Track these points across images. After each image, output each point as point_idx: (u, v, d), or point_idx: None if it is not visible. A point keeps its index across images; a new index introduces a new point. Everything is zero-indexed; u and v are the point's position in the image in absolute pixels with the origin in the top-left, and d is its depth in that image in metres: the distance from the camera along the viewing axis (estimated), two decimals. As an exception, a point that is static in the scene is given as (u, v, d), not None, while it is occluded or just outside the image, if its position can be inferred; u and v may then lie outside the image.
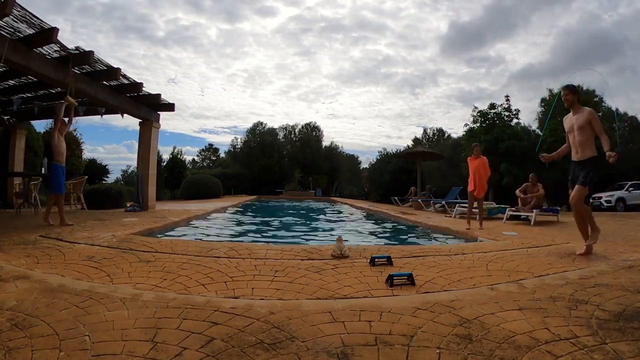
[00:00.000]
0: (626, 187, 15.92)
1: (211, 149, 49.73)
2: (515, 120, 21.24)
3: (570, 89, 4.04)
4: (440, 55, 58.51)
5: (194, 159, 45.09)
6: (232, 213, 11.16)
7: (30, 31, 5.07)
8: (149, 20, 57.32)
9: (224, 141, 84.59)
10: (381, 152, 22.89)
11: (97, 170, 16.80)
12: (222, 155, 42.37)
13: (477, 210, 6.93)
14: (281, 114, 59.56)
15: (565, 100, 4.07)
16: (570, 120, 4.06)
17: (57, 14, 54.65)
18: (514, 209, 8.37)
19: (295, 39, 61.68)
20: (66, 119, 6.15)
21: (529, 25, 48.57)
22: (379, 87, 62.88)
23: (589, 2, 44.92)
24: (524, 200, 8.22)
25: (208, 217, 9.03)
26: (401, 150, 21.12)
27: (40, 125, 14.04)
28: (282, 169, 29.24)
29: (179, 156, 23.26)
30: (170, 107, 9.38)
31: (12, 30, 4.93)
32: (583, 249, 3.96)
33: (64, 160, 5.94)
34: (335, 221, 10.01)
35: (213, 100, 63.87)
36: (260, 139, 30.47)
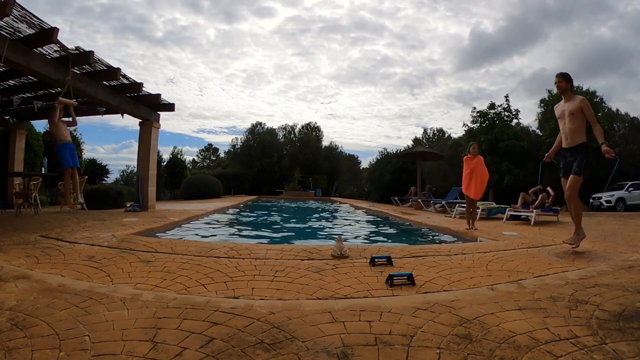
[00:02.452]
0: (626, 187, 15.92)
1: (211, 149, 49.82)
2: (515, 121, 21.27)
3: (564, 76, 4.06)
4: (460, 68, 58.51)
5: (194, 159, 45.18)
6: (232, 213, 11.16)
7: (30, 31, 5.07)
8: (148, 21, 57.31)
9: (223, 141, 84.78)
10: (381, 152, 22.92)
11: (97, 170, 16.80)
12: (222, 155, 42.44)
13: (476, 210, 6.91)
14: (280, 114, 59.54)
15: (558, 87, 4.10)
16: (561, 107, 4.09)
17: (56, 14, 54.62)
18: (515, 206, 8.37)
19: (294, 39, 61.71)
20: (69, 118, 6.21)
21: (547, 39, 48.98)
22: (377, 87, 62.87)
23: (606, 19, 45.14)
24: (524, 200, 8.20)
25: (208, 217, 9.03)
26: (400, 150, 21.13)
27: (40, 125, 14.04)
28: (282, 169, 29.28)
29: (179, 156, 23.28)
30: (170, 107, 9.37)
31: (12, 30, 4.93)
32: (569, 245, 4.04)
33: (67, 137, 6.25)
34: (335, 221, 10.01)
35: (212, 100, 63.88)
36: (259, 139, 30.50)
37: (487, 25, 55.52)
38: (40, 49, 5.54)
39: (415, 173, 16.06)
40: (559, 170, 4.18)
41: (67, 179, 6.20)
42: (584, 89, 20.54)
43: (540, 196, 8.00)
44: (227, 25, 61.87)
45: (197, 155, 48.70)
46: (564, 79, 4.04)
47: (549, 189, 8.44)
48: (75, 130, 13.04)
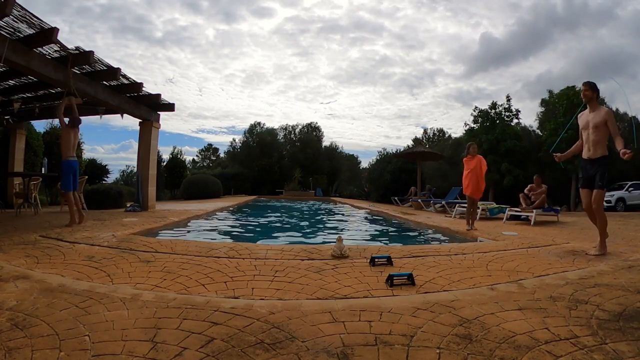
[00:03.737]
0: (626, 187, 15.92)
1: (211, 149, 49.82)
2: (515, 120, 21.29)
3: (591, 85, 4.04)
4: (468, 74, 58.58)
5: (193, 159, 45.18)
6: (232, 213, 11.16)
7: (30, 31, 5.07)
8: (147, 21, 57.45)
9: (222, 141, 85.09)
10: (381, 152, 22.94)
11: (97, 170, 16.78)
12: (222, 155, 42.46)
13: (476, 210, 6.90)
14: (280, 114, 59.70)
15: (584, 96, 4.08)
16: (586, 117, 4.07)
17: (56, 14, 54.78)
18: (514, 209, 8.36)
19: (293, 39, 61.86)
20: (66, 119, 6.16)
21: (556, 44, 49.40)
22: (376, 87, 63.07)
23: (612, 27, 45.52)
24: (526, 203, 8.18)
25: (208, 217, 9.03)
26: (400, 150, 21.14)
27: (40, 125, 14.05)
28: (282, 169, 29.27)
29: (179, 156, 23.26)
30: (170, 107, 9.36)
31: (12, 30, 4.93)
32: (594, 250, 3.98)
33: (72, 150, 5.88)
34: (335, 221, 10.00)
35: (211, 100, 63.98)
36: (259, 139, 30.49)
37: (496, 31, 55.77)
38: (40, 49, 5.53)
39: (415, 173, 16.05)
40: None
41: (70, 202, 5.67)
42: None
43: (541, 196, 7.99)
44: (226, 26, 62.06)
45: (197, 155, 48.76)
46: (590, 88, 4.01)
47: (535, 177, 8.46)
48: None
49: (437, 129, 42.35)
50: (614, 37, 45.17)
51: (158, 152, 12.77)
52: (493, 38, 55.56)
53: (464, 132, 22.32)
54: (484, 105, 23.68)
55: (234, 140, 34.02)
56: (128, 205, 9.12)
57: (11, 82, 7.23)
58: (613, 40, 44.89)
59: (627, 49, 42.38)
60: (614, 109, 22.36)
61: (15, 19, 4.69)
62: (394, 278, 2.77)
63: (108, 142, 71.24)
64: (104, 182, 16.71)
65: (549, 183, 8.79)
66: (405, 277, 2.80)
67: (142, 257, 3.54)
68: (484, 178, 6.70)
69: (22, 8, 4.54)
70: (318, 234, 7.22)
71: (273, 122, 73.21)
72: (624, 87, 42.34)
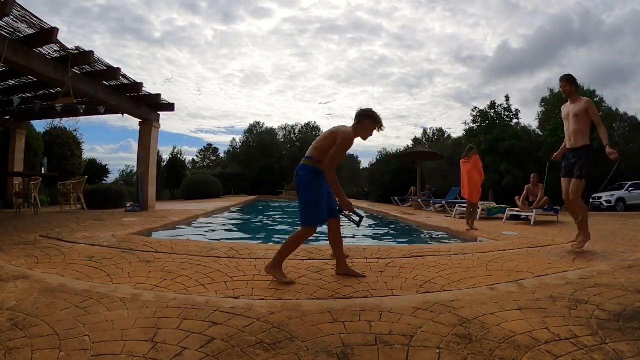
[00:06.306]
0: (626, 187, 15.91)
1: (211, 149, 49.85)
2: (515, 121, 21.28)
3: (568, 79, 4.00)
4: (484, 82, 58.81)
5: (193, 159, 45.18)
6: (232, 213, 11.16)
7: (30, 31, 5.07)
8: (146, 22, 57.58)
9: (222, 141, 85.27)
10: (381, 152, 22.94)
11: (97, 170, 16.77)
12: (222, 155, 42.48)
13: (476, 210, 6.90)
14: (279, 114, 59.83)
15: (564, 92, 4.07)
16: (567, 108, 4.08)
17: (55, 15, 54.96)
18: (514, 209, 8.36)
19: (292, 39, 62.00)
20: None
21: (566, 58, 49.84)
22: (375, 87, 63.18)
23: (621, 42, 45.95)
24: (524, 206, 8.16)
25: (209, 217, 9.03)
26: (400, 150, 21.14)
27: (40, 125, 14.05)
28: (282, 169, 29.28)
29: (179, 156, 23.25)
30: (170, 107, 9.35)
31: (12, 30, 4.93)
32: (575, 245, 4.07)
33: None
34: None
35: (210, 100, 64.06)
36: (259, 139, 30.51)
37: (512, 42, 55.92)
38: (40, 49, 5.54)
39: (415, 173, 16.05)
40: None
41: None
42: (585, 89, 20.54)
43: (538, 197, 7.99)
44: (225, 26, 62.23)
45: (196, 155, 48.78)
46: (569, 83, 3.99)
47: (532, 176, 8.46)
48: (75, 131, 13.04)
49: (436, 129, 42.40)
50: (622, 49, 45.65)
51: (158, 152, 12.77)
52: (508, 48, 55.97)
53: (464, 132, 22.31)
54: (484, 105, 23.70)
55: (234, 140, 34.08)
56: (128, 205, 9.12)
57: (11, 82, 7.22)
58: (620, 46, 45.30)
59: (634, 59, 42.72)
60: (613, 109, 22.38)
61: (15, 19, 4.70)
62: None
63: (107, 142, 71.18)
64: (104, 182, 16.70)
65: (548, 183, 8.78)
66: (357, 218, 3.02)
67: (142, 257, 3.54)
68: (480, 180, 6.65)
69: (22, 8, 4.54)
70: (318, 234, 7.21)
71: (272, 122, 73.40)
72: (626, 90, 42.73)
